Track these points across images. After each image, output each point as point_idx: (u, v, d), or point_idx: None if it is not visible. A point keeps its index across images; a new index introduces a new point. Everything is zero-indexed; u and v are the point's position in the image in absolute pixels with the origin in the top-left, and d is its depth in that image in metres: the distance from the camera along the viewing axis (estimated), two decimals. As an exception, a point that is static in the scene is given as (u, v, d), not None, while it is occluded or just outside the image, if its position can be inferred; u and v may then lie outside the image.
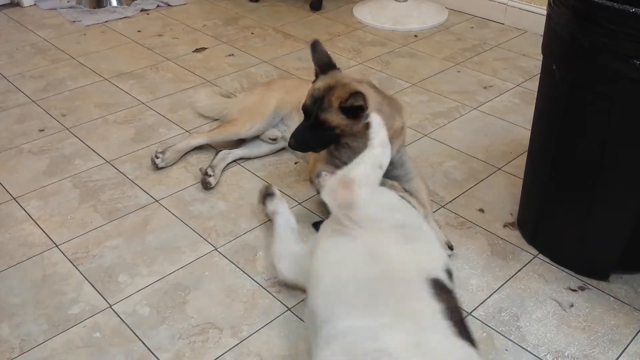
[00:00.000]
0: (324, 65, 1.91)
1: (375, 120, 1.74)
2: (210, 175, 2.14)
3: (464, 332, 1.26)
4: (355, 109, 1.79)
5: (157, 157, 2.23)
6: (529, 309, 1.68)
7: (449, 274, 1.42)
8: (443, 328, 1.24)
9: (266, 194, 1.95)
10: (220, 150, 2.27)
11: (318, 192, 2.06)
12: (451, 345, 1.21)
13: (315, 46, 1.93)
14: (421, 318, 1.26)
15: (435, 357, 1.17)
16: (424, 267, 1.37)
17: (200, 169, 2.19)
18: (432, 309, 1.27)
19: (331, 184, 1.53)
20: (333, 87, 1.83)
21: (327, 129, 1.83)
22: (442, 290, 1.33)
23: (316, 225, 1.93)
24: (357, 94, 1.76)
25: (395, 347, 1.18)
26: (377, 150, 1.65)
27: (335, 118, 1.81)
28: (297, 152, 2.30)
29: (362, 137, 1.83)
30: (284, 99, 2.28)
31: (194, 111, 2.62)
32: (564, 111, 1.64)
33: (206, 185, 2.13)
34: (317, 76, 1.92)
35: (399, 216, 1.52)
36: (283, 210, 1.89)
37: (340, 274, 1.37)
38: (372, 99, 1.84)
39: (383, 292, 1.30)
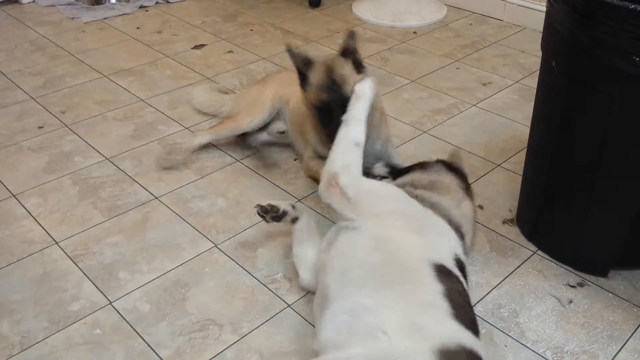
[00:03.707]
0: (305, 62, 1.93)
1: (361, 87, 1.74)
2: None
3: (464, 317, 1.29)
4: (359, 60, 1.84)
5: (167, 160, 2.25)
6: (528, 305, 1.68)
7: (460, 264, 1.45)
8: (440, 309, 1.28)
9: (294, 219, 1.78)
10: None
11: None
12: (445, 327, 1.25)
13: (290, 52, 1.94)
14: (420, 298, 1.31)
15: (426, 337, 1.21)
16: (429, 254, 1.41)
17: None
18: (433, 290, 1.32)
19: (321, 188, 1.59)
20: (331, 63, 1.87)
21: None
22: (446, 275, 1.37)
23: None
24: (350, 33, 1.85)
25: (390, 325, 1.23)
26: (350, 127, 1.66)
27: (351, 77, 1.82)
28: (297, 147, 2.30)
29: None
30: (279, 92, 2.30)
31: (193, 108, 2.62)
32: (563, 108, 1.64)
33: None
34: (303, 78, 1.93)
35: (397, 205, 1.55)
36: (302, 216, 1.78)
37: (349, 261, 1.42)
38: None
39: (387, 275, 1.36)
